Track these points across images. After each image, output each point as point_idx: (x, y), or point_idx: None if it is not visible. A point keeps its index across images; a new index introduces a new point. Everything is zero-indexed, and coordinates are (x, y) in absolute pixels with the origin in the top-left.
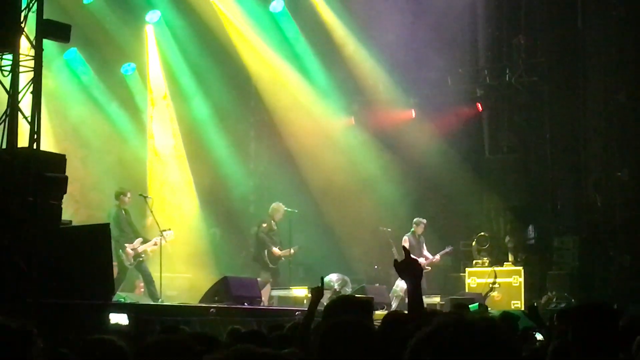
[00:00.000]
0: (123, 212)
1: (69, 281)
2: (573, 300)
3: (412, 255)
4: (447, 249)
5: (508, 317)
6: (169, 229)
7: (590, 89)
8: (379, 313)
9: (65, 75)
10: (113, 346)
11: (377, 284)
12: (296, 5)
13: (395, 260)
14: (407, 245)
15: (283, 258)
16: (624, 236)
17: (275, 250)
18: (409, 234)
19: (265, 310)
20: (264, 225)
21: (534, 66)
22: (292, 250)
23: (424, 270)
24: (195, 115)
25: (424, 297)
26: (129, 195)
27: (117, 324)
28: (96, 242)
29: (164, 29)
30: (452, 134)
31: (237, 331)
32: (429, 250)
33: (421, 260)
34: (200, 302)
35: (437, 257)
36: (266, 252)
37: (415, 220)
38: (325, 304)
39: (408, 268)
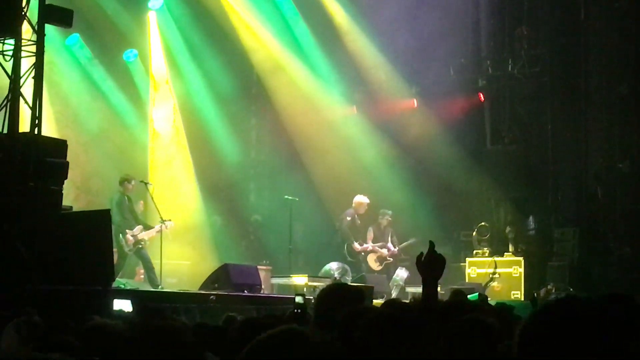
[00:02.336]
0: (126, 198)
1: (69, 267)
2: (572, 290)
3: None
4: (410, 241)
5: (504, 308)
6: (169, 220)
7: (592, 80)
8: (378, 302)
9: (67, 61)
10: (113, 331)
11: (377, 273)
12: None
13: (418, 258)
14: (370, 235)
15: (363, 254)
16: (624, 228)
17: (356, 245)
18: (373, 225)
19: (264, 298)
20: (349, 218)
21: (536, 57)
22: (368, 247)
23: (386, 262)
24: (196, 102)
25: (412, 287)
26: (133, 182)
27: (120, 310)
28: (96, 228)
29: (166, 15)
30: (453, 124)
31: (232, 319)
32: (440, 241)
33: (383, 251)
34: (200, 289)
35: (398, 249)
36: (346, 246)
37: (380, 211)
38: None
39: (429, 266)
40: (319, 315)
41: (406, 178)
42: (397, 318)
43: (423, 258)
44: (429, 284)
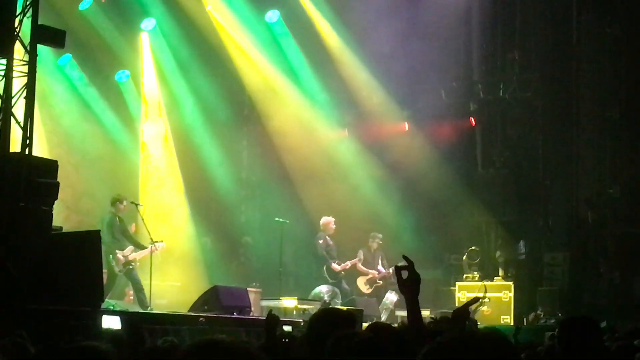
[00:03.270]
0: (117, 219)
1: (59, 287)
2: (560, 315)
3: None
4: (402, 264)
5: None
6: (162, 241)
7: (584, 105)
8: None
9: (59, 81)
10: (95, 353)
11: (367, 296)
12: (292, 16)
13: (399, 277)
14: (360, 258)
15: (343, 272)
16: (614, 253)
17: (335, 265)
18: (363, 248)
19: (254, 320)
20: (320, 241)
21: (528, 81)
22: (353, 262)
23: (376, 285)
24: (188, 124)
25: (402, 311)
26: (125, 202)
27: (109, 329)
28: (86, 248)
29: (159, 37)
30: (445, 147)
31: None
32: (422, 265)
33: (373, 272)
34: (190, 310)
35: (390, 270)
36: (325, 268)
37: (371, 234)
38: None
39: (407, 283)
40: (310, 339)
41: (397, 201)
42: (374, 342)
43: (405, 276)
44: (414, 304)
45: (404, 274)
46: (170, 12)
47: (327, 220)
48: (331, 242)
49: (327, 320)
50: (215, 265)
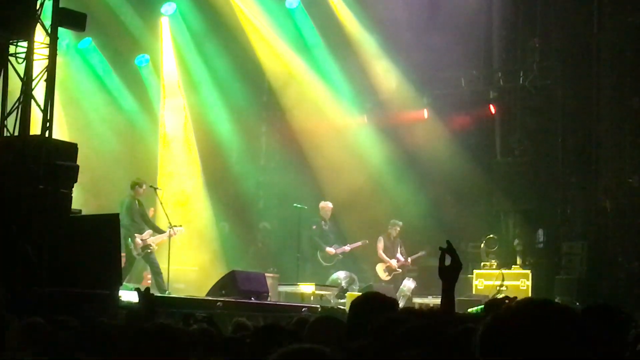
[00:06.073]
0: (136, 202)
1: (77, 270)
2: (578, 304)
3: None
4: (420, 253)
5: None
6: (180, 226)
7: (604, 94)
8: None
9: (80, 65)
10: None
11: (385, 283)
12: (312, 2)
13: (442, 261)
14: (381, 245)
15: (341, 255)
16: (633, 242)
17: (329, 249)
18: (383, 235)
19: (271, 306)
20: (314, 227)
21: (548, 69)
22: (347, 248)
23: (395, 272)
24: (207, 109)
25: (419, 298)
26: (144, 186)
27: (128, 302)
28: (105, 232)
29: (179, 21)
30: (464, 135)
31: (242, 324)
32: (439, 252)
33: (393, 261)
34: (208, 295)
35: (409, 260)
36: (319, 253)
37: (391, 222)
38: (332, 300)
39: (450, 270)
40: (352, 322)
41: (415, 188)
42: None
43: (449, 262)
44: (450, 290)
45: (447, 260)
46: None
47: (323, 205)
48: (326, 227)
49: (369, 304)
50: (232, 250)
